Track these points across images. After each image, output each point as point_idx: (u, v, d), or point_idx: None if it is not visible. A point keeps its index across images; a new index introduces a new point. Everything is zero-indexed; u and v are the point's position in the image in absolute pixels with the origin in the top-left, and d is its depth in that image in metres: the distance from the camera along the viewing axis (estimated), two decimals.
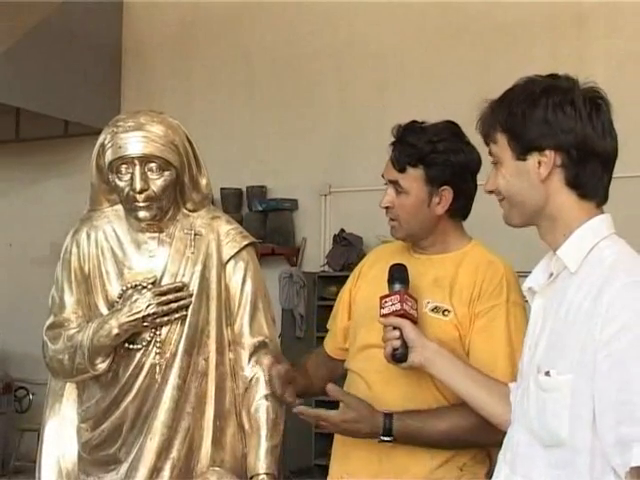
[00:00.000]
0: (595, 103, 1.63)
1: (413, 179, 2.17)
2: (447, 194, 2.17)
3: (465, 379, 1.94)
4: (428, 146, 2.15)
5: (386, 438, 2.05)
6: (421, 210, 2.18)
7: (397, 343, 1.97)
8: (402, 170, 2.17)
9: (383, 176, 2.23)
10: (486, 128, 1.70)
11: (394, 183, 2.18)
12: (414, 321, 2.00)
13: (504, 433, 2.00)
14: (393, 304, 2.00)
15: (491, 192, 1.73)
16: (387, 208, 2.21)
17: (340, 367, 2.41)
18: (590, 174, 1.62)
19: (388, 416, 2.05)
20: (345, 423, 2.07)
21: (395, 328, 1.98)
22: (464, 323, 2.13)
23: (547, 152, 1.61)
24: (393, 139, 2.21)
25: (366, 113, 6.32)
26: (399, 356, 1.97)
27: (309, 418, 2.14)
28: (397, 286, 2.05)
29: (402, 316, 1.99)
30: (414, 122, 2.23)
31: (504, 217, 1.73)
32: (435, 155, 2.15)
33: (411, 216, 2.18)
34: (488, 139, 1.70)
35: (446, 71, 6.09)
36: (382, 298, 2.03)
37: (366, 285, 2.30)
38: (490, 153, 1.72)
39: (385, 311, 2.01)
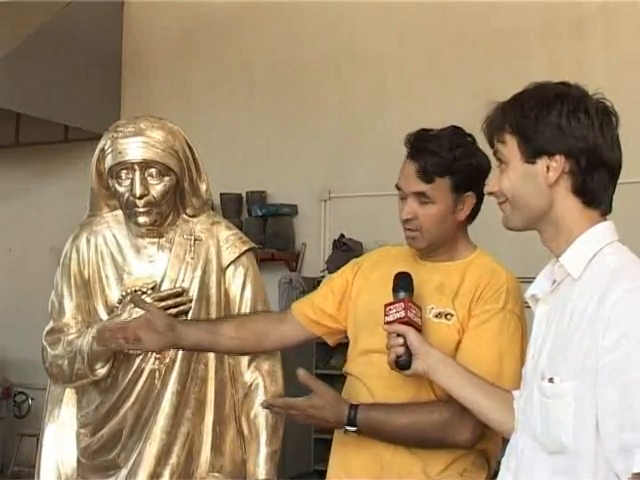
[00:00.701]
0: (606, 114, 1.63)
1: (440, 188, 2.14)
2: (470, 200, 2.17)
3: (468, 387, 1.93)
4: (450, 154, 2.13)
5: (350, 428, 2.09)
6: (446, 218, 2.17)
7: (401, 350, 1.97)
8: (430, 180, 2.14)
9: (398, 187, 2.19)
10: (493, 129, 1.69)
11: (418, 194, 2.15)
12: (418, 329, 2.00)
13: (473, 435, 2.02)
14: (397, 311, 2.00)
15: (491, 194, 1.72)
16: (407, 220, 2.18)
17: (280, 334, 2.37)
18: (597, 183, 1.62)
19: (353, 407, 2.09)
20: (311, 409, 2.09)
21: (399, 335, 1.98)
22: (464, 326, 2.13)
23: (557, 157, 1.61)
24: (408, 148, 2.17)
25: (365, 118, 6.32)
26: (402, 363, 1.97)
27: (279, 410, 2.17)
28: (402, 294, 2.05)
29: (406, 323, 1.99)
30: (425, 130, 2.21)
31: (504, 220, 1.71)
32: (459, 162, 2.14)
33: (435, 225, 2.16)
34: (495, 140, 1.69)
35: (446, 76, 6.10)
36: (387, 306, 2.03)
37: (368, 288, 2.29)
38: (495, 154, 1.71)
39: (389, 318, 2.01)
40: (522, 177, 1.65)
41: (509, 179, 1.67)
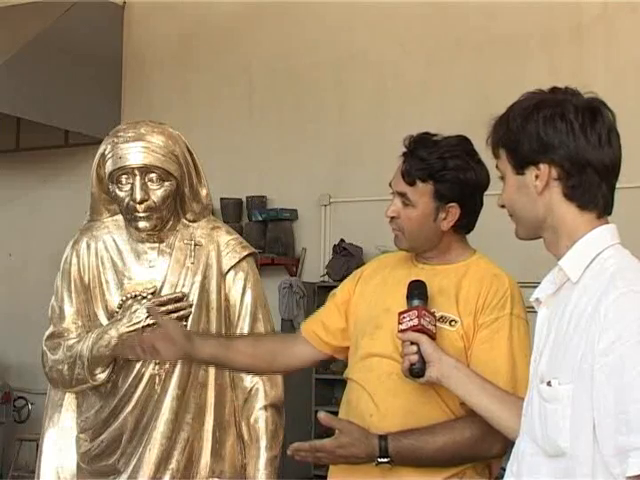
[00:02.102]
0: (590, 114, 1.63)
1: (421, 193, 2.15)
2: (454, 210, 2.17)
3: (481, 394, 1.93)
4: (439, 162, 2.14)
5: (383, 460, 2.03)
6: (426, 224, 2.17)
7: (414, 358, 1.96)
8: (411, 183, 2.15)
9: (390, 185, 2.21)
10: (492, 145, 1.73)
11: (402, 195, 2.17)
12: (432, 336, 2.00)
13: (504, 445, 2.00)
14: (411, 319, 2.00)
15: (503, 206, 1.75)
16: (392, 218, 2.20)
17: (290, 356, 2.34)
18: (587, 186, 1.63)
19: (383, 438, 2.03)
20: (340, 449, 2.04)
21: (413, 343, 1.98)
22: (469, 334, 2.13)
23: (542, 166, 1.63)
24: (404, 149, 2.19)
25: (366, 124, 6.33)
26: (416, 371, 1.97)
27: (306, 454, 2.07)
28: (416, 302, 2.05)
29: (420, 331, 1.98)
30: (427, 134, 2.21)
31: (515, 231, 1.74)
32: (445, 172, 2.14)
33: (415, 229, 2.18)
34: (495, 155, 1.73)
35: (445, 83, 6.10)
36: (400, 314, 2.03)
37: (368, 294, 2.29)
38: (497, 168, 1.74)
39: (403, 326, 2.01)
40: (516, 189, 1.68)
41: (506, 192, 1.71)
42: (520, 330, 2.12)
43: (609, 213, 1.67)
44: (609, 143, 1.63)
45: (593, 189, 1.63)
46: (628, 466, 1.44)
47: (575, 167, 1.61)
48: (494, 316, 2.12)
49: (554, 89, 1.68)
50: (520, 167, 1.66)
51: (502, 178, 1.73)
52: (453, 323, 2.13)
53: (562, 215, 1.64)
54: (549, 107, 1.63)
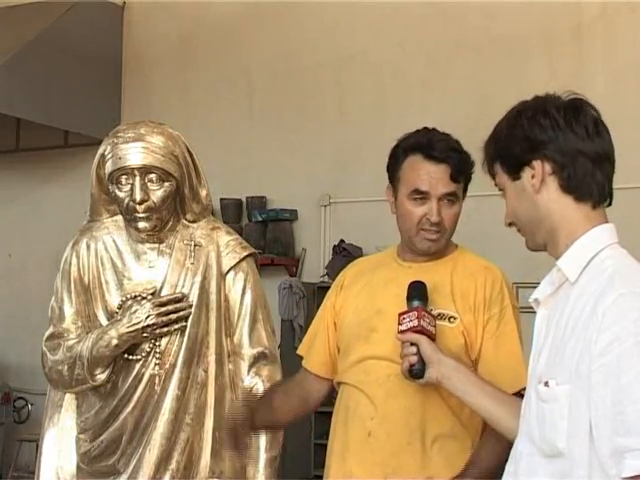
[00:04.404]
0: (573, 110, 1.65)
1: (460, 188, 2.21)
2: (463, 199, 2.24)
3: (481, 395, 1.94)
4: (465, 154, 2.19)
5: None
6: (458, 217, 2.23)
7: (414, 359, 1.96)
8: (458, 181, 2.19)
9: (420, 191, 2.15)
10: (487, 166, 1.76)
11: (450, 195, 2.18)
12: (432, 337, 2.00)
13: None
14: (411, 320, 2.00)
15: (510, 225, 1.75)
16: (437, 222, 2.17)
17: (316, 393, 2.36)
18: (581, 174, 1.64)
19: None
20: None
21: (412, 344, 1.98)
22: (470, 330, 2.13)
23: (534, 163, 1.65)
24: (425, 151, 2.17)
25: (365, 124, 6.32)
26: (416, 372, 1.97)
27: None
28: (416, 303, 2.05)
29: (419, 332, 1.99)
30: (428, 130, 2.24)
31: (525, 243, 1.75)
32: (470, 163, 2.19)
33: (454, 225, 2.21)
34: (492, 176, 1.75)
35: (445, 83, 6.10)
36: (400, 315, 2.03)
37: (353, 300, 2.27)
38: (496, 186, 1.75)
39: (403, 327, 2.01)
40: (517, 196, 1.70)
41: (509, 205, 1.72)
42: (517, 319, 2.17)
43: (609, 204, 1.67)
44: (598, 134, 1.65)
45: (587, 177, 1.64)
46: (624, 467, 1.45)
47: (567, 158, 1.64)
48: (497, 309, 2.14)
49: (535, 97, 1.71)
50: (515, 171, 1.68)
51: (503, 194, 1.74)
52: (452, 320, 2.13)
53: (559, 212, 1.65)
54: (531, 109, 1.67)
